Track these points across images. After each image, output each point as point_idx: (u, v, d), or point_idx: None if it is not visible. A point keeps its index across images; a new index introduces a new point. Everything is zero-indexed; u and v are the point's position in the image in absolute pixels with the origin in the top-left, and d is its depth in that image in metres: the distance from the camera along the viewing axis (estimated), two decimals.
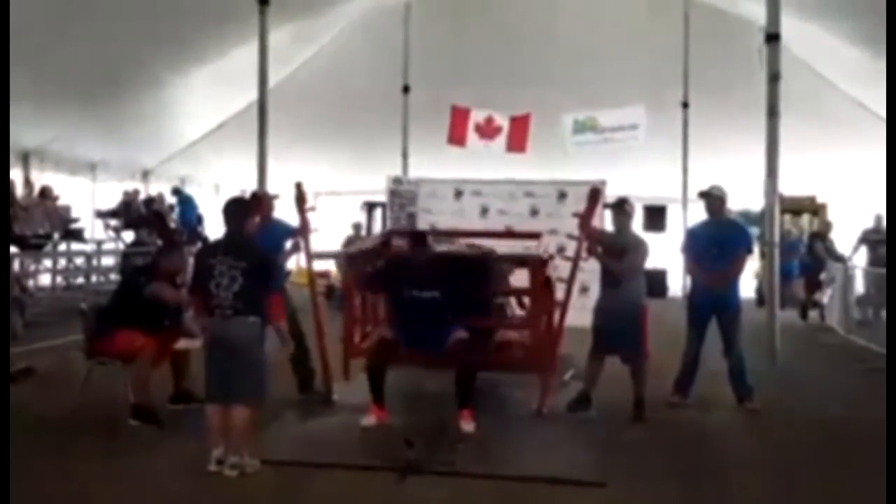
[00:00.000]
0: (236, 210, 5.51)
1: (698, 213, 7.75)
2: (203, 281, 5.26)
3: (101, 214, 16.20)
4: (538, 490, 4.96)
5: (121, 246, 15.17)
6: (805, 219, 17.89)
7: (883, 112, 14.54)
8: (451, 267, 6.61)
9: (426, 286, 6.25)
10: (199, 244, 13.69)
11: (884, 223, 13.98)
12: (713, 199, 7.33)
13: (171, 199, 17.77)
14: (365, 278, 7.01)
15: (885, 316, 11.60)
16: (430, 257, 6.48)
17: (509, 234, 6.66)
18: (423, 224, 12.37)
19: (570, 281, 6.82)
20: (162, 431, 6.07)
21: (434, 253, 6.56)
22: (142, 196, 17.20)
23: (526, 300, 7.76)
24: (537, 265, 7.11)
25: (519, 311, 8.12)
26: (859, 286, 13.00)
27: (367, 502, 4.57)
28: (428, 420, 6.32)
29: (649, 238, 8.00)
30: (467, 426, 6.09)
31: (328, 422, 6.53)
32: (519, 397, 7.27)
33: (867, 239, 14.00)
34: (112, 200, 16.48)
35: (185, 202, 17.63)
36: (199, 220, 17.20)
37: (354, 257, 7.50)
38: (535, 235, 8.54)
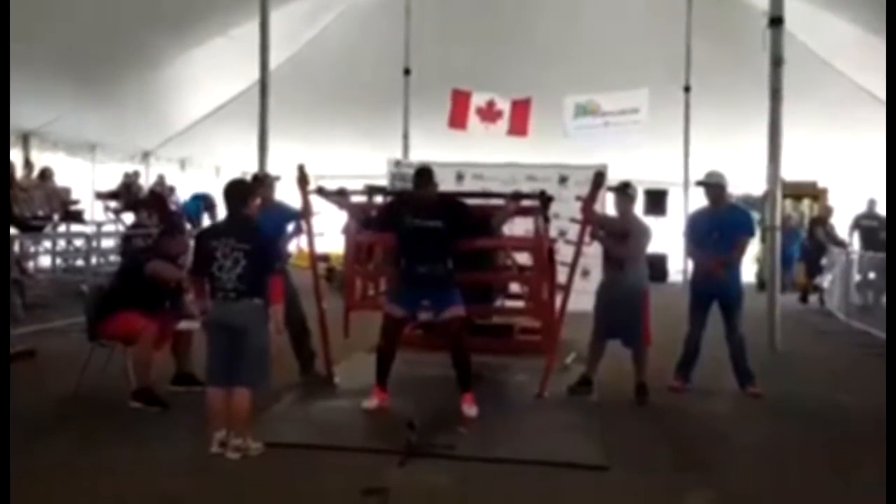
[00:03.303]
0: (237, 192, 5.48)
1: (700, 198, 7.73)
2: (205, 263, 5.25)
3: (101, 196, 16.16)
4: (539, 473, 4.97)
5: (121, 228, 15.14)
6: (806, 204, 17.86)
7: (885, 96, 14.53)
8: (454, 202, 6.59)
9: (429, 217, 6.20)
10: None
11: (876, 207, 13.97)
12: (712, 187, 7.31)
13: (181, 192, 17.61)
14: (372, 217, 6.94)
15: (885, 301, 11.62)
16: (435, 194, 6.41)
17: (514, 195, 6.69)
18: None
19: (572, 265, 6.81)
20: (164, 413, 6.09)
21: (439, 192, 6.52)
22: (142, 180, 17.14)
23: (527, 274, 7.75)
24: (537, 211, 7.06)
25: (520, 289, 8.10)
26: (858, 271, 13.01)
27: (368, 485, 4.57)
28: (429, 403, 6.32)
29: (650, 222, 8.00)
30: (469, 410, 6.10)
31: (329, 404, 6.54)
32: (520, 381, 7.28)
33: (860, 224, 13.99)
34: (112, 182, 16.44)
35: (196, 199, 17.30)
36: (209, 206, 16.82)
37: (360, 206, 7.42)
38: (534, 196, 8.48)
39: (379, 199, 7.77)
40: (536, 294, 7.37)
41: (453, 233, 6.24)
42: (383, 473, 4.81)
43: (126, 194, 15.84)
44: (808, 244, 15.07)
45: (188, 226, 14.24)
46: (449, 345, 6.28)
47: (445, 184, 12.25)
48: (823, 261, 14.40)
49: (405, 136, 16.43)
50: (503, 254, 7.92)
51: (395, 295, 6.53)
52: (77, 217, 14.38)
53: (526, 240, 7.61)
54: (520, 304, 7.98)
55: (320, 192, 7.04)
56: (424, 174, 6.32)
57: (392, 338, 6.39)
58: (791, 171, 12.43)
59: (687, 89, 16.36)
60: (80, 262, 13.81)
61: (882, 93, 14.89)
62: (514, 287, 8.45)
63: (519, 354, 7.88)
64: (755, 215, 11.50)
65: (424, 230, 6.20)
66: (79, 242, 13.87)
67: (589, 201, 6.82)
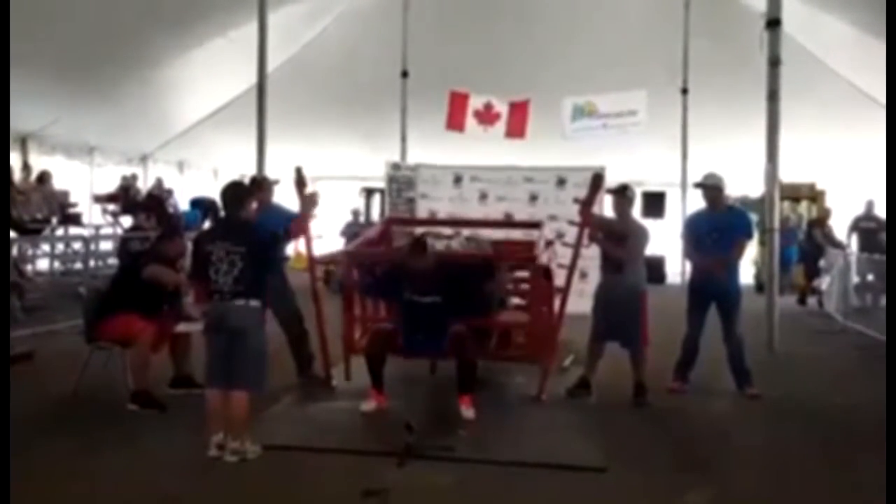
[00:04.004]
0: (234, 194, 5.48)
1: (697, 200, 7.75)
2: (202, 267, 5.25)
3: (99, 199, 16.14)
4: (538, 475, 4.96)
5: (119, 231, 15.12)
6: (804, 205, 17.89)
7: (882, 98, 14.54)
8: (451, 272, 6.49)
9: (427, 291, 6.23)
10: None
11: (875, 209, 13.98)
12: (709, 189, 7.31)
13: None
14: (366, 286, 7.00)
15: (884, 302, 11.63)
16: (432, 264, 6.39)
17: (509, 223, 6.61)
18: (421, 210, 12.37)
19: (570, 267, 6.81)
20: (162, 416, 6.08)
21: (434, 259, 6.52)
22: (140, 183, 17.05)
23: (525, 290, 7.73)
24: (539, 271, 6.98)
25: (518, 300, 8.07)
26: (857, 273, 13.01)
27: (367, 486, 4.56)
28: (428, 405, 6.34)
29: (648, 224, 8.01)
30: (467, 412, 6.08)
31: (328, 406, 6.53)
32: (519, 383, 7.27)
33: (858, 226, 13.98)
34: (110, 185, 16.42)
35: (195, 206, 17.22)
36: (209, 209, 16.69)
37: (355, 256, 7.41)
38: (535, 224, 8.51)
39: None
40: (534, 319, 7.31)
41: (453, 306, 6.26)
42: (382, 475, 4.80)
43: (124, 197, 15.81)
44: (807, 246, 15.08)
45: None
46: (454, 351, 6.25)
47: (443, 185, 12.42)
48: (822, 263, 14.41)
49: (403, 139, 16.43)
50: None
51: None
52: (75, 220, 14.36)
53: (525, 265, 7.52)
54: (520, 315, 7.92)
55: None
56: (419, 247, 6.38)
57: (380, 345, 6.37)
58: (789, 174, 12.47)
59: (684, 91, 16.38)
60: (78, 265, 13.81)
61: (880, 94, 14.90)
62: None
63: (518, 360, 7.83)
64: (753, 217, 11.52)
65: (423, 306, 6.24)
66: (77, 245, 13.86)
67: (587, 203, 6.82)
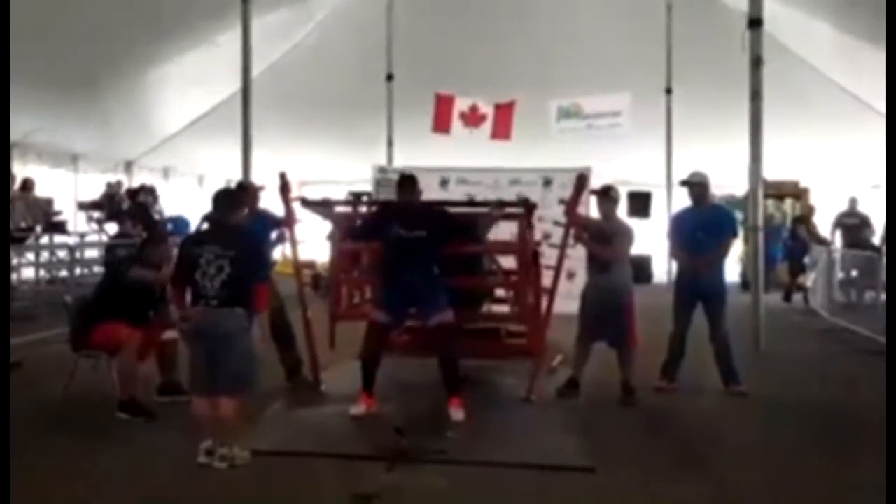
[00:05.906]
0: (225, 200, 5.51)
1: (683, 199, 7.79)
2: (188, 271, 5.23)
3: (84, 206, 16.04)
4: (528, 476, 4.97)
5: (104, 238, 15.03)
6: (788, 203, 17.99)
7: (866, 97, 14.68)
8: (438, 211, 6.67)
9: (414, 227, 6.23)
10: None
11: (858, 205, 14.08)
12: (695, 186, 7.36)
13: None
14: (357, 227, 6.97)
15: (868, 298, 11.73)
16: (419, 203, 6.50)
17: (499, 203, 6.65)
18: None
19: (557, 268, 6.83)
20: (150, 424, 6.06)
21: (422, 200, 6.59)
22: (124, 187, 16.94)
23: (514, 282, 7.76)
24: (523, 216, 7.06)
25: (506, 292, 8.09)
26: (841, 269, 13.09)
27: (357, 491, 4.56)
28: (417, 408, 6.33)
29: (634, 224, 8.03)
30: (457, 413, 6.09)
31: (317, 411, 6.52)
32: (508, 384, 7.29)
33: (842, 222, 14.08)
34: (95, 192, 16.33)
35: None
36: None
37: (345, 216, 7.43)
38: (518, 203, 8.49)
39: (363, 208, 7.77)
40: (522, 298, 7.38)
41: (438, 242, 6.27)
42: (373, 479, 4.80)
43: (109, 204, 15.72)
44: (792, 243, 15.16)
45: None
46: (437, 348, 6.28)
47: (430, 189, 12.39)
48: (806, 259, 14.49)
49: (389, 142, 16.43)
50: (488, 259, 7.92)
51: (382, 301, 6.53)
52: (60, 228, 14.27)
53: (510, 244, 7.61)
54: (506, 308, 7.97)
55: (304, 203, 7.04)
56: (408, 181, 6.39)
57: (376, 344, 6.37)
58: (773, 171, 12.54)
59: (668, 91, 16.45)
60: (63, 273, 13.72)
61: (861, 92, 15.05)
62: (500, 291, 8.45)
63: (506, 358, 7.87)
64: (738, 215, 11.56)
65: (409, 240, 6.22)
66: (62, 253, 13.77)
67: (572, 204, 6.85)
